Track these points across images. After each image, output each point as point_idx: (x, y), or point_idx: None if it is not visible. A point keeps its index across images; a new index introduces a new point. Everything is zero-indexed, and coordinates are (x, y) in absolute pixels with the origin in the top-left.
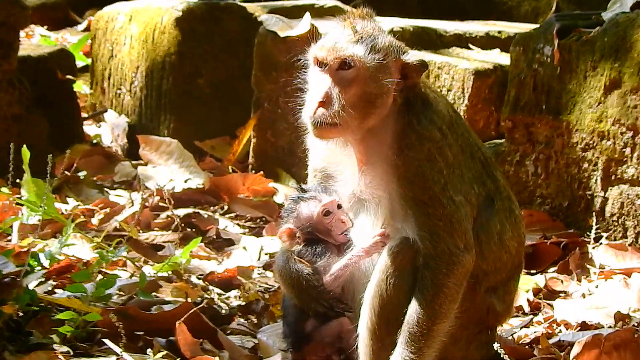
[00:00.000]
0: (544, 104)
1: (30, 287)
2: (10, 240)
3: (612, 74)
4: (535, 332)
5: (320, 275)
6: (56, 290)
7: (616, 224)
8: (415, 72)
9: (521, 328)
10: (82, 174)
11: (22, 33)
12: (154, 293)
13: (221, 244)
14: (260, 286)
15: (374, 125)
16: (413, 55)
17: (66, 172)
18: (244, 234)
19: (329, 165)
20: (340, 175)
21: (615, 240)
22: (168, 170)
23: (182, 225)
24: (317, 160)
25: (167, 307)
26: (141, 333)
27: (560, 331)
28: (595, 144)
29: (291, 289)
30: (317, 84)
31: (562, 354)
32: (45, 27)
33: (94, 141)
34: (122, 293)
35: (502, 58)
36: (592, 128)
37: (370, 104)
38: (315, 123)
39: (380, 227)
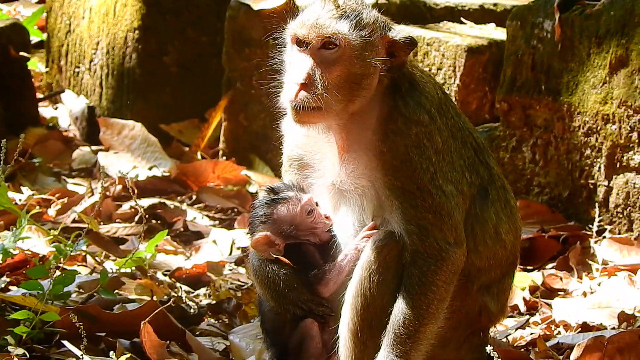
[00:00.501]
0: (543, 84)
1: None
2: None
3: (618, 52)
4: (531, 333)
5: (304, 278)
6: (10, 287)
7: (621, 215)
8: (403, 50)
9: (516, 329)
10: (37, 160)
11: None
12: (116, 291)
13: (189, 238)
14: (232, 283)
15: (358, 109)
16: (400, 32)
17: (20, 159)
18: (214, 226)
19: (306, 154)
20: (319, 165)
21: (619, 233)
22: (131, 156)
23: (147, 216)
24: (292, 148)
25: (130, 306)
26: (103, 334)
27: (559, 333)
28: (599, 128)
29: (268, 290)
30: (297, 65)
31: (560, 357)
32: None
33: (50, 124)
34: (81, 291)
35: (497, 33)
36: (596, 111)
37: (356, 85)
38: (296, 107)
39: (365, 221)
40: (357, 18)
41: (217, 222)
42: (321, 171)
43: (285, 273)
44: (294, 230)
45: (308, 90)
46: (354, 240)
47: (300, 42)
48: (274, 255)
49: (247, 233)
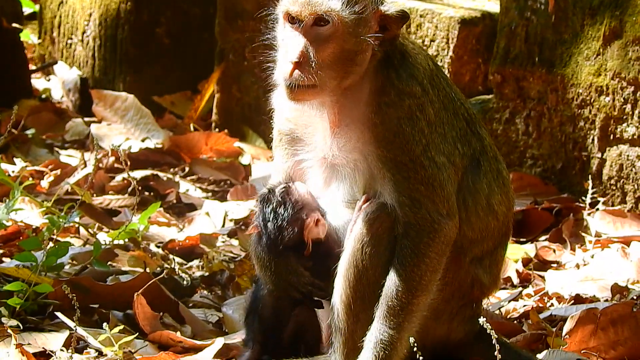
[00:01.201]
0: (537, 56)
1: None
2: None
3: (612, 23)
4: (524, 305)
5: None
6: (3, 259)
7: (614, 188)
8: (395, 24)
9: (509, 301)
10: (30, 132)
11: None
12: (109, 263)
13: (182, 209)
14: (224, 255)
15: (352, 84)
16: (392, 5)
17: (13, 130)
18: (207, 198)
19: (296, 128)
20: (310, 139)
21: (613, 205)
22: (124, 128)
23: (140, 188)
24: (283, 122)
25: (124, 278)
26: (96, 306)
27: (552, 305)
28: (592, 100)
29: (269, 273)
30: (290, 43)
31: (553, 329)
32: None
33: (43, 96)
34: (75, 262)
35: (490, 5)
36: (590, 82)
37: (350, 61)
38: (291, 86)
39: (356, 194)
40: None
41: (210, 194)
42: (312, 145)
43: (287, 257)
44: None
45: (302, 69)
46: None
47: (292, 19)
48: (322, 236)
49: (274, 226)
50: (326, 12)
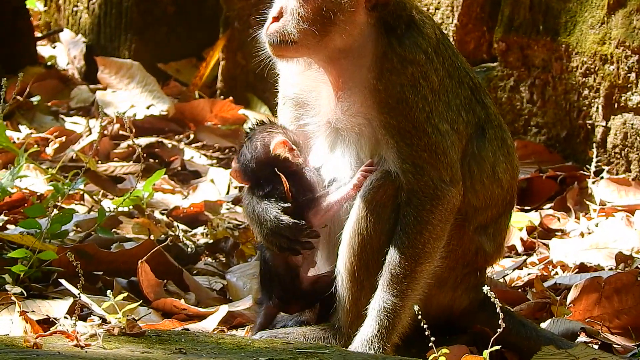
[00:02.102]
0: (541, 24)
1: None
2: None
3: None
4: (529, 274)
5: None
6: (8, 226)
7: (619, 156)
8: None
9: (513, 270)
10: (35, 99)
11: None
12: (114, 230)
13: (187, 177)
14: (229, 223)
15: (346, 46)
16: None
17: (18, 97)
18: (212, 165)
19: (301, 92)
20: (314, 103)
21: (617, 174)
22: (129, 95)
23: (144, 155)
24: (287, 87)
25: (128, 245)
26: (100, 273)
27: (557, 273)
28: (597, 69)
29: (255, 224)
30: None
31: (558, 298)
32: None
33: (49, 63)
34: (79, 229)
35: None
36: (594, 51)
37: (329, 20)
38: (271, 41)
39: (363, 159)
40: None
41: (214, 161)
42: (316, 109)
43: (272, 207)
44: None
45: (281, 24)
46: (352, 178)
47: None
48: (293, 161)
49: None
50: None
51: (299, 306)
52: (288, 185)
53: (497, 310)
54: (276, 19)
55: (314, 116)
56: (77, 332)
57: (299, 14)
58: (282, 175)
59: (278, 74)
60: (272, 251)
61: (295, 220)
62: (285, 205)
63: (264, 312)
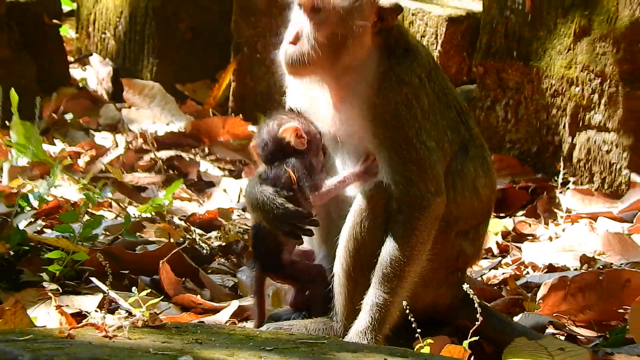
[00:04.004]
0: (515, 50)
1: (21, 227)
2: (0, 182)
3: (581, 21)
4: (503, 273)
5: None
6: (45, 230)
7: (583, 169)
8: (390, 15)
9: (490, 270)
10: (68, 116)
11: None
12: (138, 233)
13: (202, 186)
14: (239, 227)
15: (351, 65)
16: None
17: (53, 115)
18: (224, 176)
19: (304, 103)
20: (316, 113)
21: (581, 185)
22: (151, 113)
23: (165, 167)
24: (294, 98)
25: (151, 247)
26: (126, 272)
27: (528, 273)
28: (564, 90)
29: (258, 212)
30: (292, 24)
31: (529, 295)
32: None
33: (80, 84)
34: (108, 233)
35: (474, 5)
36: (561, 74)
37: (341, 44)
38: (287, 61)
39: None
40: None
41: (226, 172)
42: (318, 119)
43: (270, 193)
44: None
45: (297, 47)
46: (354, 168)
47: (298, 4)
48: (296, 146)
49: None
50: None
51: (280, 276)
52: (294, 171)
53: (476, 306)
54: (293, 42)
55: (317, 124)
56: (106, 324)
57: (314, 38)
58: (289, 159)
59: (286, 87)
60: (266, 229)
61: (299, 209)
62: (290, 194)
63: (255, 276)
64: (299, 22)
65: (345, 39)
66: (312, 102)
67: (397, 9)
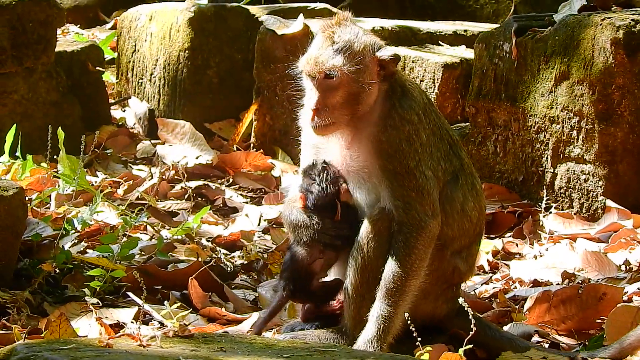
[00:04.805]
0: (503, 92)
1: (66, 247)
2: (48, 208)
3: (561, 68)
4: (494, 288)
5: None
6: (87, 250)
7: (564, 196)
8: (390, 64)
9: (482, 285)
10: (109, 151)
11: (58, 31)
12: (170, 253)
13: (227, 212)
14: (260, 247)
15: (362, 112)
16: (387, 50)
17: (96, 150)
18: (246, 202)
19: (318, 142)
20: (328, 150)
21: (562, 209)
22: (182, 148)
23: (194, 195)
24: (309, 137)
25: (181, 266)
26: (159, 287)
27: (516, 287)
28: (546, 127)
29: (299, 229)
30: (309, 93)
31: (516, 307)
32: (78, 25)
33: (120, 123)
34: (143, 253)
35: (467, 53)
36: (544, 113)
37: (356, 100)
38: (314, 127)
39: (367, 196)
40: (351, 49)
41: (248, 199)
42: (330, 155)
43: (309, 216)
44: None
45: (320, 114)
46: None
47: (308, 75)
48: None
49: (323, 184)
50: (331, 68)
51: (307, 301)
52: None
53: (470, 317)
54: (316, 110)
55: (329, 160)
56: (141, 334)
57: (333, 103)
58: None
59: (300, 128)
60: (301, 253)
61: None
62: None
63: (277, 300)
64: (314, 90)
65: (358, 95)
66: (325, 140)
67: (397, 58)
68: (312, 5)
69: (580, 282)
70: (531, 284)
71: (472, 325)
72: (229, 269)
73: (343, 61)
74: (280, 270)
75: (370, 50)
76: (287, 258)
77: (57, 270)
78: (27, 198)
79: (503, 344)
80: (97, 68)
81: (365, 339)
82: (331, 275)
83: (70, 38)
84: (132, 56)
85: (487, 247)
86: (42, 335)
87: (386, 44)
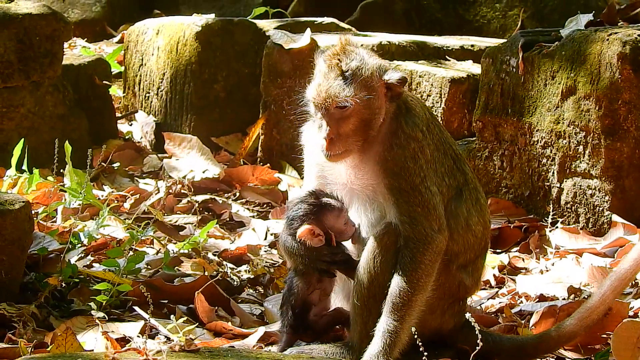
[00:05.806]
0: (510, 107)
1: (72, 261)
2: (55, 222)
3: (568, 83)
4: (500, 302)
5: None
6: (94, 264)
7: (570, 210)
8: (397, 86)
9: (488, 299)
10: (116, 165)
11: (65, 45)
12: (176, 267)
13: (233, 226)
14: (266, 262)
15: (372, 134)
16: (394, 73)
17: (102, 164)
18: (253, 217)
19: (323, 161)
20: (333, 168)
21: (569, 224)
22: (189, 162)
23: (201, 209)
24: (312, 156)
25: (187, 280)
26: (166, 301)
27: (522, 302)
28: (553, 142)
29: (295, 258)
30: (321, 123)
31: (522, 321)
32: (85, 39)
33: (126, 137)
34: (149, 267)
35: (474, 68)
36: (551, 128)
37: (368, 126)
38: (328, 156)
39: (372, 214)
40: (359, 78)
41: (255, 213)
42: (335, 174)
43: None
44: (329, 230)
45: (333, 143)
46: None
47: (318, 106)
48: (315, 245)
49: (289, 222)
50: (343, 99)
51: (308, 336)
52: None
53: (476, 332)
54: (330, 140)
55: (333, 178)
56: (147, 349)
57: (347, 132)
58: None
59: (303, 145)
60: (298, 287)
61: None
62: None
63: (285, 338)
64: (325, 120)
65: (370, 121)
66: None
67: (403, 80)
68: (319, 19)
69: (586, 296)
70: (537, 299)
71: (478, 341)
72: (235, 283)
73: (354, 91)
74: (280, 304)
75: (377, 74)
76: (285, 290)
77: (64, 284)
78: (33, 212)
79: (510, 343)
80: (104, 82)
81: (372, 354)
82: (333, 304)
83: (77, 52)
84: (139, 70)
85: (494, 261)
86: (48, 349)
87: (392, 60)
